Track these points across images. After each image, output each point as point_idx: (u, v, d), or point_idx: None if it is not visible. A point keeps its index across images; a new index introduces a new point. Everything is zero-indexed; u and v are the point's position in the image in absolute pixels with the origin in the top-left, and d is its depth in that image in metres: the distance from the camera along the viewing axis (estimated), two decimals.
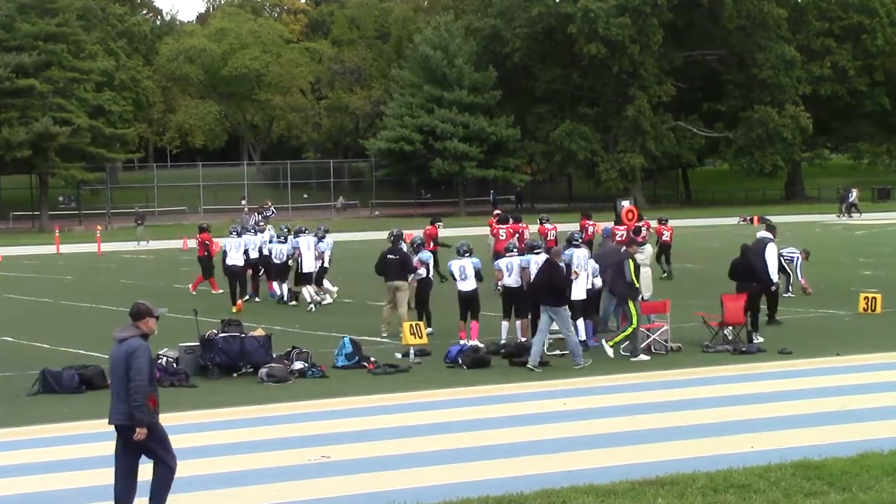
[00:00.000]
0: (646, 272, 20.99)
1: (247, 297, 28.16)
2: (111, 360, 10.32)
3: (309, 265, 27.10)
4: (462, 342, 19.83)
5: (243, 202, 45.87)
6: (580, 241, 20.66)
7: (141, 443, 10.12)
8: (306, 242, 27.28)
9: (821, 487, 10.69)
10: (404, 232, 24.11)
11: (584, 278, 20.01)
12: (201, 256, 31.01)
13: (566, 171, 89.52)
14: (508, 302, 20.59)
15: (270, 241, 28.59)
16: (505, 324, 20.57)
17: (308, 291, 26.96)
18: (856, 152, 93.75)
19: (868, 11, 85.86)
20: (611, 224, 23.36)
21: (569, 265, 19.50)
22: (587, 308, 20.31)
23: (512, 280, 20.41)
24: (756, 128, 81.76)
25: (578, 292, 19.94)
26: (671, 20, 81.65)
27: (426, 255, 22.37)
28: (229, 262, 27.86)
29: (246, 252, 28.06)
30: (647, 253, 21.25)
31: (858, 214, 66.13)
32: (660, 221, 31.81)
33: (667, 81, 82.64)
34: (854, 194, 68.06)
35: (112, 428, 10.48)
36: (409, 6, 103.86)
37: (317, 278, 27.48)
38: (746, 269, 20.60)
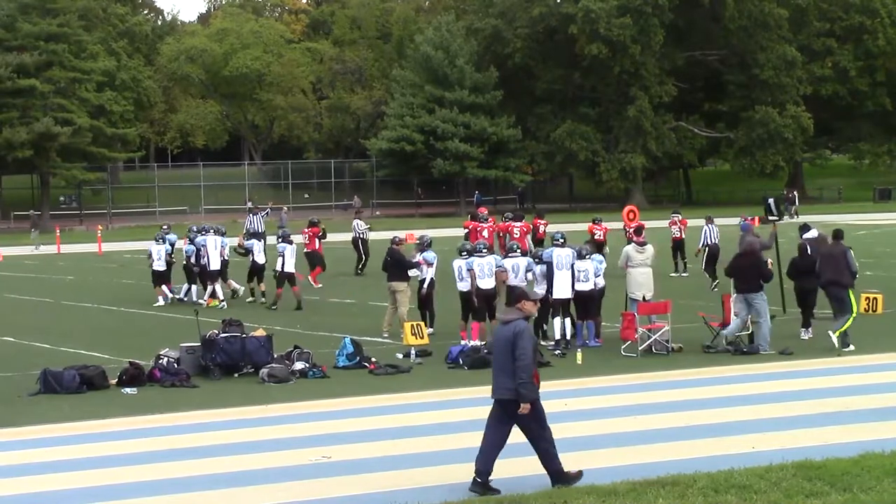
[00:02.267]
0: (646, 272, 20.98)
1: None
2: (496, 340, 11.19)
3: (215, 263, 27.94)
4: (463, 342, 19.84)
5: (249, 203, 46.14)
6: (562, 240, 20.73)
7: (520, 416, 11.02)
8: (213, 241, 28.10)
9: (822, 488, 10.69)
10: (406, 232, 24.30)
11: (568, 277, 20.06)
12: (310, 251, 31.96)
13: (567, 172, 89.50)
14: (481, 303, 20.64)
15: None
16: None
17: (218, 288, 27.93)
18: (857, 153, 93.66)
19: (869, 12, 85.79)
20: (749, 218, 24.08)
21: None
22: (587, 308, 20.33)
23: (517, 280, 20.49)
24: (757, 128, 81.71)
25: (563, 291, 20.01)
26: (672, 20, 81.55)
27: (431, 255, 22.39)
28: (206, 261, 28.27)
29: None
30: (648, 253, 21.22)
31: (795, 217, 66.06)
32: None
33: (668, 82, 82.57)
34: (794, 196, 68.30)
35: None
36: (410, 6, 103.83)
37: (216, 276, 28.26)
38: (810, 268, 20.76)
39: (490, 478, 11.06)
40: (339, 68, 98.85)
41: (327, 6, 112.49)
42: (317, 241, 32.26)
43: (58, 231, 57.39)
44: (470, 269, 20.44)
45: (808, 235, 22.55)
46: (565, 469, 11.18)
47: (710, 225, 30.65)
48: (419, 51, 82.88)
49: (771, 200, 22.77)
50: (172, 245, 29.12)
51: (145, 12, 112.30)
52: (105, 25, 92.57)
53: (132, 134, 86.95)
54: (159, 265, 28.54)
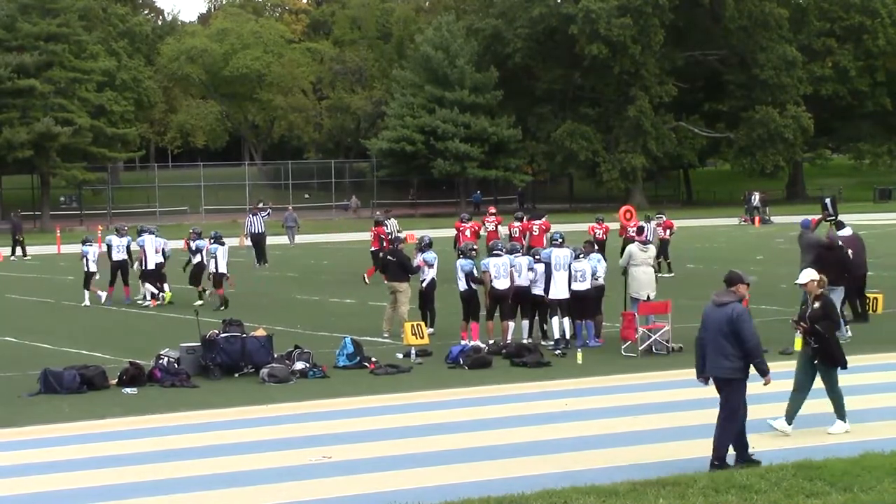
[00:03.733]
0: (649, 271, 20.94)
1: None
2: (709, 322, 11.88)
3: (151, 263, 28.43)
4: (463, 342, 19.83)
5: (261, 204, 46.37)
6: (561, 240, 20.72)
7: (730, 393, 11.73)
8: (150, 241, 28.56)
9: (822, 488, 10.69)
10: (407, 232, 24.35)
11: (565, 277, 20.04)
12: (376, 249, 32.44)
13: (567, 172, 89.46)
14: (494, 304, 20.60)
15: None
16: (510, 324, 20.57)
17: (148, 288, 28.42)
18: (857, 152, 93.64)
19: (869, 12, 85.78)
20: (810, 217, 24.51)
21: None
22: (585, 308, 20.29)
23: (502, 283, 20.37)
24: (757, 128, 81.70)
25: (560, 291, 19.98)
26: (672, 20, 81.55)
27: (431, 256, 22.39)
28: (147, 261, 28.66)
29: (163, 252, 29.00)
30: (650, 253, 21.20)
31: (768, 219, 66.05)
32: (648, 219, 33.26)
33: (668, 82, 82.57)
34: (756, 198, 68.14)
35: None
36: (410, 6, 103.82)
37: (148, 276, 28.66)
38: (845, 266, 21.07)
39: (750, 450, 11.82)
40: (340, 68, 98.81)
41: (327, 6, 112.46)
42: (380, 240, 32.77)
43: (58, 231, 57.32)
44: (486, 271, 20.38)
45: (843, 233, 22.65)
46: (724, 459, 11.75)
47: (650, 223, 31.30)
48: (419, 51, 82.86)
49: (828, 200, 23.24)
50: (127, 247, 29.34)
51: (145, 12, 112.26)
52: (105, 25, 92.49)
53: (132, 134, 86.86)
54: (93, 266, 28.86)
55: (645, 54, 79.92)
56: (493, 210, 36.74)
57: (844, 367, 13.24)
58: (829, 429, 13.28)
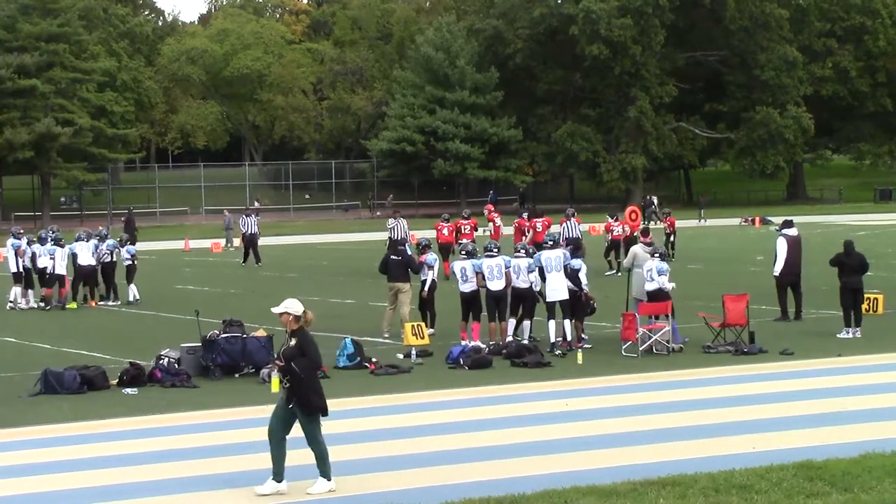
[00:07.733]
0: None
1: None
2: None
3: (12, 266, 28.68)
4: (464, 343, 19.81)
5: (257, 203, 46.33)
6: (553, 242, 20.58)
7: None
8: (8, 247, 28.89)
9: (822, 488, 10.69)
10: (409, 233, 24.40)
11: (561, 279, 19.81)
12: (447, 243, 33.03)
13: (568, 172, 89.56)
14: (490, 304, 20.45)
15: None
16: (511, 323, 20.47)
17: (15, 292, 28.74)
18: (857, 153, 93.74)
19: (870, 12, 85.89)
20: None
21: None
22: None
23: (496, 284, 20.26)
24: (758, 128, 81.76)
25: (559, 293, 19.79)
26: (673, 21, 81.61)
27: (432, 257, 22.35)
28: (81, 262, 28.54)
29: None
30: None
31: (656, 223, 66.14)
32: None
33: (668, 82, 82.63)
34: (655, 201, 68.13)
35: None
36: (410, 7, 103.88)
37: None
38: (857, 266, 21.33)
39: None
40: (340, 69, 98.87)
41: (328, 7, 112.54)
42: (473, 232, 33.32)
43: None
44: (479, 272, 20.29)
45: (787, 231, 23.13)
46: None
47: (570, 220, 31.42)
48: (420, 51, 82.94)
49: None
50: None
51: (146, 13, 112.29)
52: (106, 26, 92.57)
53: (133, 134, 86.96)
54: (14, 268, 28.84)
55: (645, 55, 79.97)
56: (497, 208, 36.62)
57: (325, 413, 11.53)
58: (309, 488, 11.38)
